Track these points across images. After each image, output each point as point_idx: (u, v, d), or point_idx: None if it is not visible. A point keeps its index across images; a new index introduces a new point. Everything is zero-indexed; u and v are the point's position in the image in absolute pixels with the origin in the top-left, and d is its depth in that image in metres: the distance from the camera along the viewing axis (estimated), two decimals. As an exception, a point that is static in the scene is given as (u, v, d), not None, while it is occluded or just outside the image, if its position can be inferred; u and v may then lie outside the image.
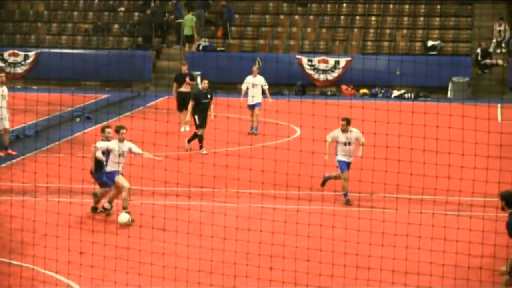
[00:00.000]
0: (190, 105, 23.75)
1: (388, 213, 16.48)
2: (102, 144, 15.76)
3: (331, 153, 17.05)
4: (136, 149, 15.54)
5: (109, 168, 15.45)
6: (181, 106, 26.03)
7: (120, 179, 15.58)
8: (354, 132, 16.52)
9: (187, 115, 24.30)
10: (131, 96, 32.13)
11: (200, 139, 23.59)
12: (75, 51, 35.94)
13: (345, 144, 16.29)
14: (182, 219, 14.98)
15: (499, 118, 29.26)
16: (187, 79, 26.96)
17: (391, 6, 37.73)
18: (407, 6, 37.73)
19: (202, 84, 25.31)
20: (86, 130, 25.24)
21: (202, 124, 23.56)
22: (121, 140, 15.36)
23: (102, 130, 15.85)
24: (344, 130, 16.38)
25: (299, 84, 33.15)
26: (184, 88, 26.47)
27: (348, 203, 16.63)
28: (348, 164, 16.48)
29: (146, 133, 20.47)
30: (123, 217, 15.00)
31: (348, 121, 16.30)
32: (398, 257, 13.77)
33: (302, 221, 15.52)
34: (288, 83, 32.34)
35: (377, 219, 15.69)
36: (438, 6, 37.30)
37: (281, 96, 28.61)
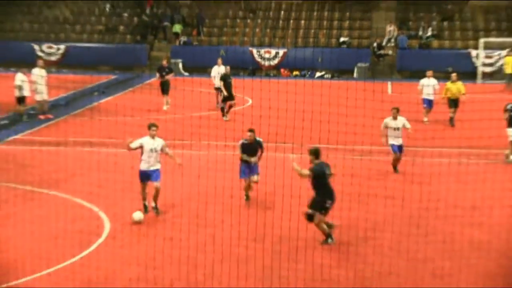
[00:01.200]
0: (222, 84, 21.96)
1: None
2: (135, 143, 12.00)
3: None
4: (165, 148, 11.90)
5: (143, 165, 11.64)
6: (163, 91, 24.09)
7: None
8: (401, 119, 14.23)
9: (223, 89, 21.95)
10: (132, 77, 30.81)
11: (229, 108, 21.95)
12: (92, 44, 34.15)
13: (394, 129, 14.04)
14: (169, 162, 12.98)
15: (389, 91, 27.72)
16: (157, 75, 24.49)
17: (315, 13, 35.50)
18: (326, 13, 35.29)
19: (225, 68, 23.07)
20: (101, 101, 25.13)
21: (231, 97, 21.99)
22: (152, 137, 11.88)
23: (148, 127, 12.34)
24: (395, 117, 14.17)
25: (251, 68, 31.57)
26: (162, 79, 24.53)
27: (396, 171, 14.12)
28: (398, 147, 14.10)
29: (143, 102, 20.87)
30: (137, 215, 11.24)
31: (397, 110, 14.07)
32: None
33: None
34: (243, 67, 30.52)
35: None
36: (347, 13, 35.35)
37: (238, 76, 26.32)
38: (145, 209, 11.06)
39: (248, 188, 12.24)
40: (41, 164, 14.70)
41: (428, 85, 21.03)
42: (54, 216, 11.20)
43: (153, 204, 11.17)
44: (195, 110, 19.92)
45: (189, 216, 11.99)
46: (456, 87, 20.18)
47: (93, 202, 12.23)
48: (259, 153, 12.18)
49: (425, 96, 21.17)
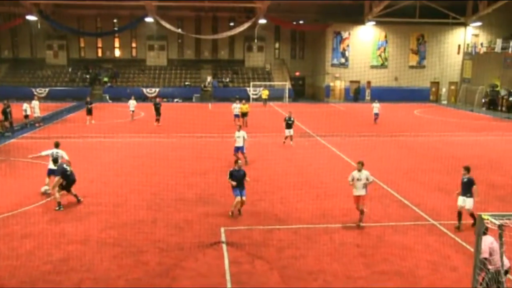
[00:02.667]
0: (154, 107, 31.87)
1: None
2: (46, 152, 16.61)
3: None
4: (64, 155, 15.73)
5: (51, 165, 16.14)
6: (88, 113, 32.94)
7: None
8: (365, 172, 13.78)
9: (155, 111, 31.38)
10: (81, 104, 36.48)
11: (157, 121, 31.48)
12: (62, 88, 50.79)
13: (358, 180, 13.54)
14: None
15: (210, 107, 44.97)
16: (86, 105, 33.56)
17: (173, 71, 57.07)
18: (178, 71, 56.95)
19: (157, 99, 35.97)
20: (67, 116, 35.95)
21: (159, 114, 32.02)
22: (56, 146, 16.13)
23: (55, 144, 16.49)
24: (359, 170, 13.75)
25: (143, 98, 49.83)
26: (90, 104, 33.44)
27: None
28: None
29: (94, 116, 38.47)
30: (44, 188, 16.03)
31: (362, 163, 13.83)
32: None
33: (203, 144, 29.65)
34: (138, 97, 48.21)
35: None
36: (189, 71, 56.45)
37: (137, 101, 51.06)
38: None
39: (238, 204, 14.09)
40: (37, 148, 18.28)
41: (235, 107, 32.16)
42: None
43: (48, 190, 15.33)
44: (116, 118, 34.60)
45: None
46: (245, 107, 31.83)
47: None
48: (246, 178, 14.17)
49: (235, 112, 31.91)
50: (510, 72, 47.59)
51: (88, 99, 34.06)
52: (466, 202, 13.83)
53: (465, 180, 13.90)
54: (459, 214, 13.94)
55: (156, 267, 10.96)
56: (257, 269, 10.91)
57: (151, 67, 57.51)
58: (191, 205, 15.59)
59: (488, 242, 8.79)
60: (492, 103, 48.14)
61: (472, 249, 9.16)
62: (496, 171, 21.20)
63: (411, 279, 10.62)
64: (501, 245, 8.38)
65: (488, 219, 8.22)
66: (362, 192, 13.79)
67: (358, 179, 13.73)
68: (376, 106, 35.60)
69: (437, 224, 14.31)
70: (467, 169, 14.02)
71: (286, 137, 24.75)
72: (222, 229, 13.38)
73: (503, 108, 46.67)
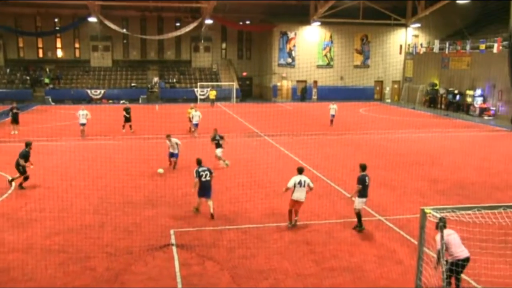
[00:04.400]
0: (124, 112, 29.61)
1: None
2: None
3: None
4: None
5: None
6: (14, 122, 29.52)
7: None
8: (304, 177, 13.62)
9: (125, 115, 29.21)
10: (24, 106, 41.05)
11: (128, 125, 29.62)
12: (2, 90, 48.63)
13: (299, 183, 13.43)
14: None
15: (157, 108, 44.01)
16: (9, 113, 29.84)
17: (118, 72, 56.67)
18: (124, 73, 56.23)
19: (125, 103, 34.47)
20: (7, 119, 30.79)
21: (129, 119, 30.22)
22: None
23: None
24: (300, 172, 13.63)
25: (87, 100, 50.58)
26: (16, 110, 30.12)
27: None
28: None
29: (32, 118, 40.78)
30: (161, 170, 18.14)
31: (302, 169, 13.80)
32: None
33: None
34: (83, 99, 50.43)
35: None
36: (135, 72, 57.42)
37: (81, 103, 47.76)
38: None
39: (200, 205, 14.33)
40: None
41: (196, 115, 29.28)
42: None
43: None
44: (59, 121, 34.72)
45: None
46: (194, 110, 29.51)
47: None
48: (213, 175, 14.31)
49: (195, 122, 29.18)
50: (447, 72, 49.56)
51: (14, 104, 30.90)
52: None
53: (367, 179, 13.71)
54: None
55: (104, 273, 10.71)
56: (207, 270, 10.89)
57: (95, 68, 56.42)
58: (140, 208, 15.41)
59: (445, 234, 8.96)
60: (432, 101, 50.04)
61: (416, 242, 9.42)
62: (437, 166, 22.05)
63: (359, 273, 10.84)
64: (441, 237, 8.66)
65: (430, 213, 8.50)
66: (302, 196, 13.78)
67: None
68: (333, 108, 35.07)
69: (383, 220, 14.70)
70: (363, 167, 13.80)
71: (219, 158, 21.26)
72: (172, 231, 13.29)
73: (442, 106, 48.55)
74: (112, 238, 12.78)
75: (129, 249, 11.97)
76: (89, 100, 50.77)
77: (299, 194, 13.60)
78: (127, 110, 30.13)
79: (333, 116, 34.90)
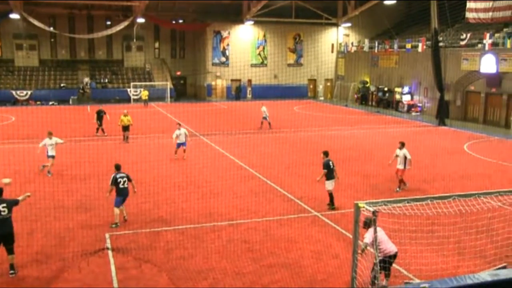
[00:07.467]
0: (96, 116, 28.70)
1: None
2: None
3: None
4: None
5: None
6: None
7: None
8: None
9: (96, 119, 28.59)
10: None
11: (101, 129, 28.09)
12: None
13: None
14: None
15: (89, 110, 43.43)
16: None
17: (45, 72, 55.68)
18: (47, 73, 55.66)
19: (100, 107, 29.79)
20: None
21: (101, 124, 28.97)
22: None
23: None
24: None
25: (12, 101, 48.01)
26: None
27: None
28: None
29: None
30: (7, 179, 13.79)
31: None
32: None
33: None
34: (6, 100, 50.30)
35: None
36: (63, 72, 55.86)
37: (4, 105, 46.48)
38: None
39: (121, 214, 13.55)
40: None
41: (125, 119, 27.10)
42: None
43: None
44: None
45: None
46: (127, 118, 27.11)
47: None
48: (132, 183, 13.64)
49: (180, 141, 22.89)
50: (376, 70, 51.42)
51: None
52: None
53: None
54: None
55: (34, 282, 10.30)
56: (145, 273, 10.71)
57: (21, 68, 54.35)
58: (72, 212, 14.97)
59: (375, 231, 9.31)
60: (364, 99, 51.72)
61: (351, 236, 9.68)
62: (369, 161, 22.85)
63: (297, 269, 10.97)
64: (375, 230, 8.96)
65: (363, 207, 8.77)
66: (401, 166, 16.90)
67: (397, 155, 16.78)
68: (264, 111, 33.06)
69: (319, 215, 14.98)
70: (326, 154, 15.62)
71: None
72: (107, 235, 13.01)
73: (373, 103, 50.17)
74: (42, 245, 12.34)
75: (62, 256, 11.58)
76: (14, 102, 49.15)
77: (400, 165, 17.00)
78: (99, 112, 29.04)
79: (264, 118, 32.86)
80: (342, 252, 11.81)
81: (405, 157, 16.93)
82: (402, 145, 17.09)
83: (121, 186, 13.68)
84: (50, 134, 20.11)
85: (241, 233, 13.27)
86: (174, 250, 12.04)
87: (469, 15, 36.28)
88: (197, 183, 18.29)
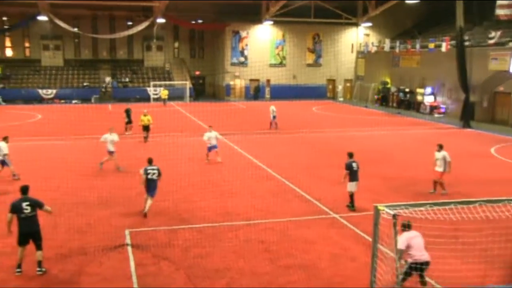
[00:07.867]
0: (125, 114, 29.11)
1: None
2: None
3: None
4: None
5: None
6: None
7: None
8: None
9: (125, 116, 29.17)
10: None
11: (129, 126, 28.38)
12: None
13: None
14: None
15: (110, 108, 42.48)
16: None
17: (70, 71, 55.01)
18: (76, 71, 55.50)
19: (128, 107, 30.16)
20: None
21: (130, 121, 29.13)
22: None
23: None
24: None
25: (39, 99, 48.23)
26: None
27: None
28: None
29: None
30: None
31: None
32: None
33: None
34: (34, 100, 48.74)
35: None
36: (88, 71, 55.24)
37: (31, 104, 46.70)
38: None
39: (144, 204, 14.19)
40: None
41: (145, 118, 27.37)
42: None
43: None
44: (10, 121, 33.99)
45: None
46: (147, 118, 27.14)
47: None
48: (159, 178, 14.37)
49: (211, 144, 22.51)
50: (397, 70, 50.56)
51: None
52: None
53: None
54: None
55: (58, 275, 10.47)
56: (163, 270, 10.80)
57: (46, 67, 55.34)
58: (94, 208, 15.13)
59: (409, 236, 9.04)
60: (384, 100, 50.99)
61: (370, 239, 9.57)
62: (389, 163, 22.49)
63: (314, 271, 10.86)
64: (395, 233, 8.82)
65: (383, 210, 8.65)
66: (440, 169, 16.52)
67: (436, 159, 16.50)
68: (273, 110, 32.48)
69: (337, 217, 14.84)
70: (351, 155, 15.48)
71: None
72: (127, 231, 13.09)
73: (394, 104, 49.44)
74: (65, 239, 12.47)
75: (83, 250, 11.74)
76: (40, 100, 49.90)
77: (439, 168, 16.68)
78: (128, 111, 29.40)
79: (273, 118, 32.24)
80: (361, 255, 11.60)
81: (445, 159, 16.51)
82: (440, 147, 16.73)
83: (149, 177, 14.26)
84: (111, 130, 20.40)
85: (259, 233, 13.16)
86: (192, 248, 12.06)
87: (500, 11, 35.02)
88: (215, 182, 18.26)
